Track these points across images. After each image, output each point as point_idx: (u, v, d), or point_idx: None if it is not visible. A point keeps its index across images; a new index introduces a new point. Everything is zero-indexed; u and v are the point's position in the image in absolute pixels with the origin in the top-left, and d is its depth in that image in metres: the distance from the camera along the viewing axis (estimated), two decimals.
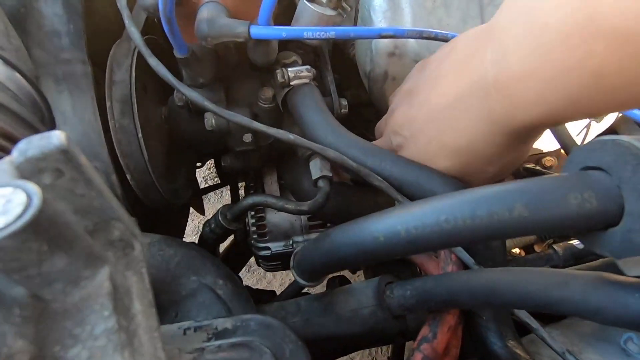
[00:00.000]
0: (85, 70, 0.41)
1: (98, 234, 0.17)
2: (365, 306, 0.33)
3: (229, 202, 0.72)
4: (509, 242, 0.59)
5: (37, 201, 0.11)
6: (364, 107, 0.60)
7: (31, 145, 0.14)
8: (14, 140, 0.18)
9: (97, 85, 0.42)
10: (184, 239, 0.49)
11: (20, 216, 0.11)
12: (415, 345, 0.30)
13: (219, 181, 0.85)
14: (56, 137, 0.14)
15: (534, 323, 0.30)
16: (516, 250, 0.62)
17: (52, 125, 0.23)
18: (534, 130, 0.28)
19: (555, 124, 0.28)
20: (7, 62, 0.20)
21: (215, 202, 1.55)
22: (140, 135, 0.40)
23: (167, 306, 0.32)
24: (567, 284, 0.22)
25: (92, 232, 0.17)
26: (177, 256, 0.34)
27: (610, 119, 0.54)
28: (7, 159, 0.14)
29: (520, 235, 0.20)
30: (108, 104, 0.40)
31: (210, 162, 1.42)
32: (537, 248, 0.63)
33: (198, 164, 0.71)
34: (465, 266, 0.32)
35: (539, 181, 0.19)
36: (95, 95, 0.41)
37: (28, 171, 0.14)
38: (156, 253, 0.33)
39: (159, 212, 0.62)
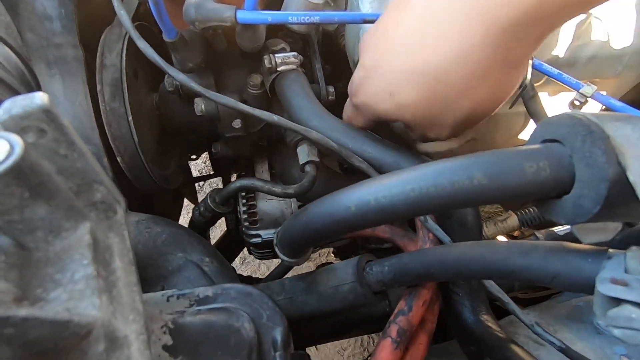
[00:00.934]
0: (77, 55, 0.42)
1: (81, 195, 0.18)
2: (345, 282, 0.34)
3: None
4: (494, 229, 0.61)
5: (18, 149, 0.13)
6: None
7: (15, 104, 0.15)
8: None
9: (88, 70, 0.43)
10: None
11: (2, 161, 0.12)
12: (392, 318, 0.31)
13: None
14: (39, 98, 0.15)
15: (505, 297, 0.31)
16: (502, 237, 0.64)
17: None
18: (523, 32, 0.25)
19: (546, 19, 0.24)
20: None
21: None
22: (130, 118, 0.41)
23: (154, 280, 0.33)
24: (528, 253, 0.23)
25: (75, 193, 0.18)
26: (164, 234, 0.35)
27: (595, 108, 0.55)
28: None
29: (483, 203, 0.21)
30: (99, 87, 0.41)
31: (205, 156, 1.43)
32: (518, 234, 0.65)
33: (193, 156, 0.72)
34: (442, 244, 0.33)
35: (499, 152, 0.20)
36: (87, 80, 0.42)
37: (12, 128, 0.15)
38: (143, 230, 0.35)
39: (152, 201, 0.63)
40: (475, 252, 0.26)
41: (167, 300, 0.25)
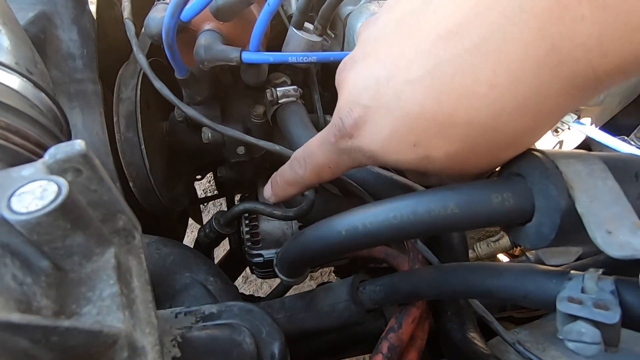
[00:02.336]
0: (95, 89, 0.46)
1: (106, 223, 0.21)
2: (340, 301, 0.37)
3: None
4: (487, 249, 0.63)
5: (65, 190, 0.16)
6: None
7: (59, 150, 0.18)
8: (42, 147, 0.23)
9: (105, 101, 0.47)
10: None
11: (53, 200, 0.15)
12: (384, 334, 0.33)
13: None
14: (78, 144, 0.18)
15: (488, 316, 0.33)
16: (501, 256, 0.66)
17: (68, 135, 0.28)
18: (596, 89, 0.20)
19: (621, 77, 0.19)
20: (35, 84, 0.25)
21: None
22: (143, 147, 0.45)
23: (162, 298, 0.35)
24: (502, 273, 0.26)
25: (101, 221, 0.21)
26: (172, 255, 0.38)
27: (578, 138, 0.58)
28: (40, 160, 0.18)
29: (456, 229, 0.24)
30: (115, 119, 0.45)
31: (210, 176, 1.47)
32: (519, 253, 0.67)
33: (198, 177, 0.75)
34: (430, 264, 0.36)
35: (470, 184, 0.23)
36: (104, 111, 0.46)
37: (56, 170, 0.18)
38: (153, 251, 0.37)
39: (158, 221, 0.66)
40: (457, 272, 0.28)
41: (176, 317, 0.28)
